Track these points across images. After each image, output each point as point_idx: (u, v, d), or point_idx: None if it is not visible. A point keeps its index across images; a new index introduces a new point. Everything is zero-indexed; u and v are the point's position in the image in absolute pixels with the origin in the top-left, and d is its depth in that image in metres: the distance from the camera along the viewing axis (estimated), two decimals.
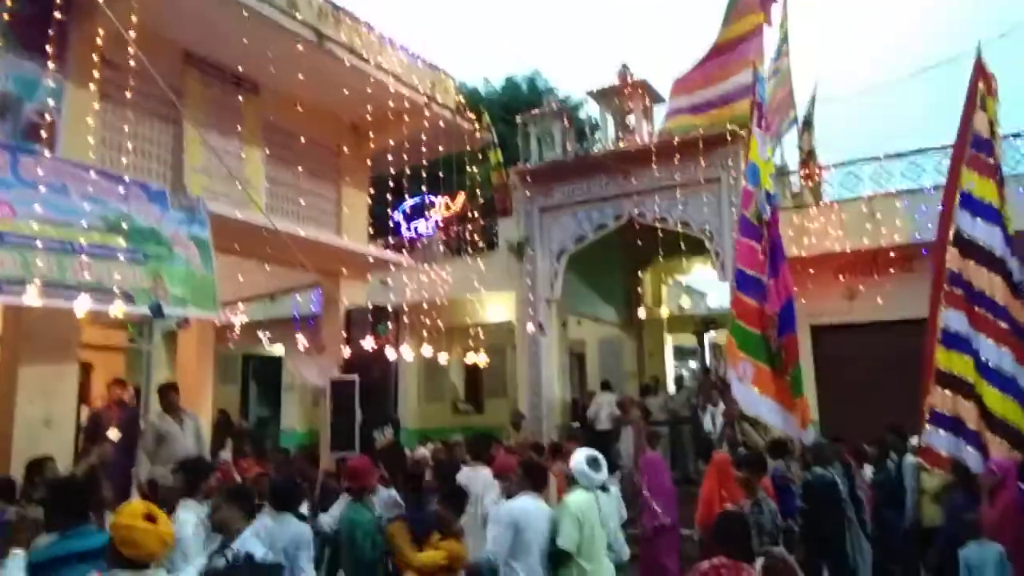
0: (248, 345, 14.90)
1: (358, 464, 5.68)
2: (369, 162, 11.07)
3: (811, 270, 11.67)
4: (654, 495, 7.85)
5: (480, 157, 15.12)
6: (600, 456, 5.21)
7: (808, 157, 13.50)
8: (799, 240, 11.80)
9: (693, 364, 21.97)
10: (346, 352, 9.34)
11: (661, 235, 12.65)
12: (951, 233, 7.22)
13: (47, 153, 6.46)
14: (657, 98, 14.13)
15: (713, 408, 11.06)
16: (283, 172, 9.69)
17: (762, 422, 8.32)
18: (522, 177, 13.90)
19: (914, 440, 7.64)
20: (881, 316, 11.51)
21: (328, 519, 5.60)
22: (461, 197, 17.91)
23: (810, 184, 13.28)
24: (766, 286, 7.66)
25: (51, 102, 6.86)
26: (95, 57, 6.92)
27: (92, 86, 7.04)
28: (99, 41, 6.87)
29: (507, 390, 15.68)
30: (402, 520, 5.09)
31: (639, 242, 13.37)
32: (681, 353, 21.82)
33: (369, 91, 9.29)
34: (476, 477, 6.38)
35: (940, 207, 8.07)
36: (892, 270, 11.63)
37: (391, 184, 10.98)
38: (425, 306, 10.79)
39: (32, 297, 5.76)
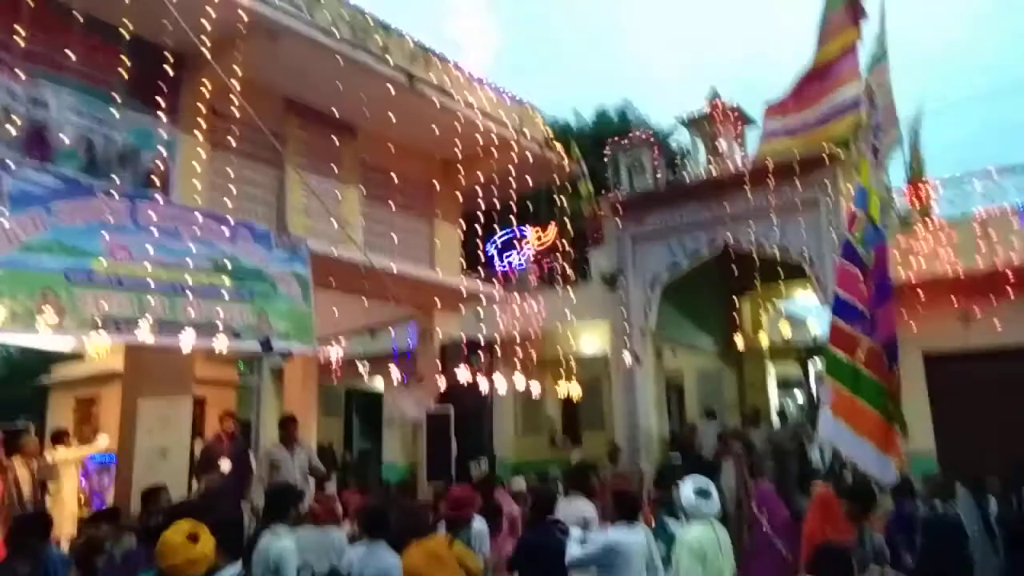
0: (350, 380, 15.31)
1: (460, 493, 5.74)
2: (460, 197, 11.31)
3: (921, 294, 11.06)
4: (776, 532, 7.45)
5: (570, 189, 15.19)
6: (709, 485, 4.99)
7: (915, 174, 12.88)
8: (906, 262, 11.22)
9: (798, 394, 21.10)
10: (441, 384, 9.48)
11: (758, 262, 12.30)
12: None
13: (161, 199, 6.93)
14: (749, 122, 13.86)
15: (822, 439, 10.56)
16: (378, 209, 10.03)
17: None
18: (613, 207, 13.85)
19: None
20: (1001, 341, 10.76)
21: None
22: (552, 228, 17.99)
23: (917, 204, 12.66)
24: (865, 314, 7.30)
25: (164, 152, 7.39)
26: (203, 108, 7.43)
27: (201, 135, 7.54)
28: (207, 94, 7.36)
29: (604, 422, 15.47)
30: None
31: (735, 269, 13.04)
32: (785, 383, 20.99)
33: (459, 128, 9.54)
34: (572, 509, 6.33)
35: None
36: (1011, 293, 10.88)
37: (482, 218, 11.17)
38: (518, 338, 10.86)
39: (145, 334, 6.14)
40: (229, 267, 7.01)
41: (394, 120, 9.09)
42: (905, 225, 12.10)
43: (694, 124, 14.32)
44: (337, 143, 9.32)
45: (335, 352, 11.61)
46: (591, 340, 14.99)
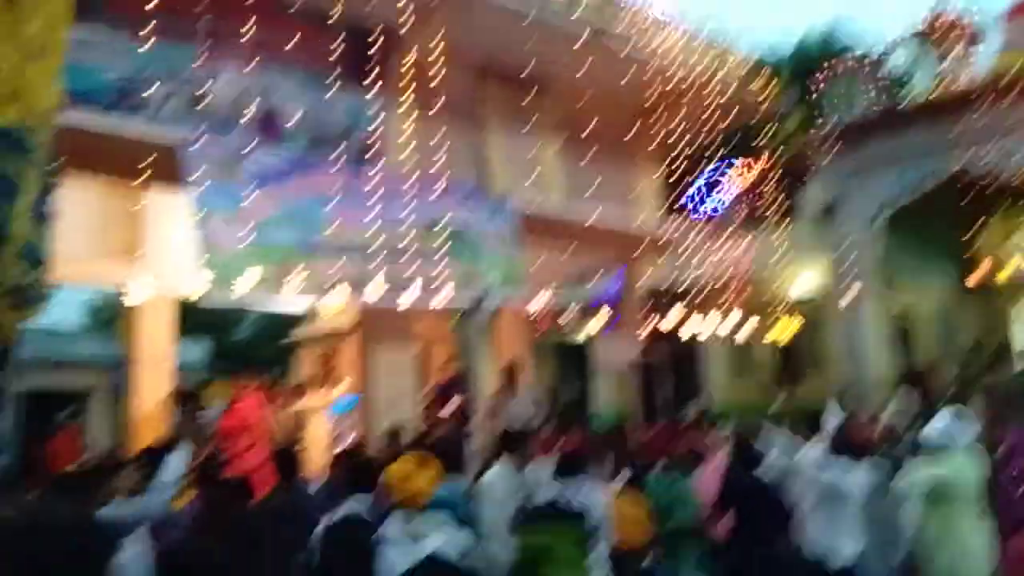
0: (557, 331, 15.78)
1: (652, 439, 5.87)
2: (658, 142, 11.14)
3: None
4: None
5: (776, 123, 14.40)
6: (964, 410, 4.74)
7: None
8: None
9: None
10: (647, 332, 9.56)
11: (997, 188, 11.01)
12: None
13: (376, 169, 7.55)
14: (978, 36, 12.28)
15: None
16: (576, 162, 10.16)
17: None
18: (825, 139, 12.97)
19: None
20: None
21: None
22: (758, 165, 17.17)
23: None
24: None
25: (375, 124, 8.01)
26: (407, 80, 7.92)
27: (406, 105, 8.07)
28: (409, 66, 7.85)
29: (822, 365, 14.76)
30: None
31: (969, 197, 11.77)
32: None
33: (651, 73, 9.38)
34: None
35: None
36: None
37: (683, 161, 10.97)
38: (726, 282, 10.62)
39: (370, 294, 6.81)
40: (441, 226, 7.54)
41: (586, 72, 9.12)
42: None
43: (914, 41, 12.98)
44: (532, 100, 9.53)
45: (541, 303, 12.00)
46: (803, 280, 14.31)
